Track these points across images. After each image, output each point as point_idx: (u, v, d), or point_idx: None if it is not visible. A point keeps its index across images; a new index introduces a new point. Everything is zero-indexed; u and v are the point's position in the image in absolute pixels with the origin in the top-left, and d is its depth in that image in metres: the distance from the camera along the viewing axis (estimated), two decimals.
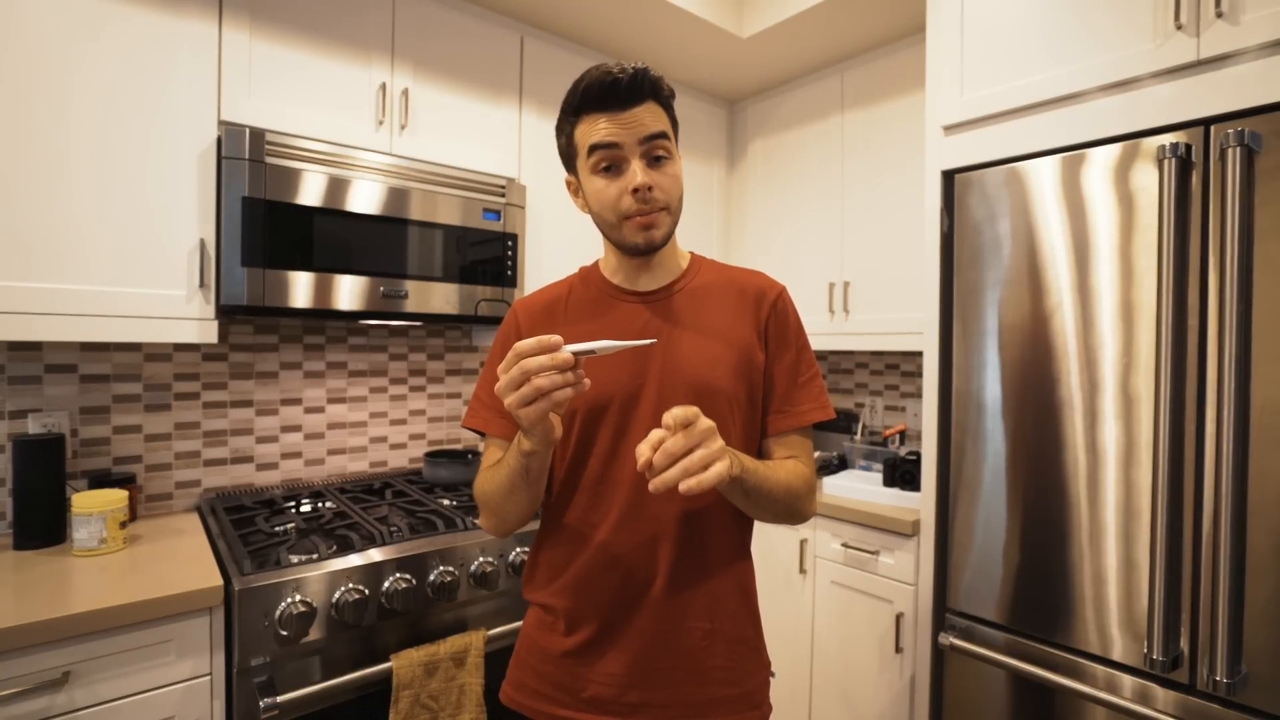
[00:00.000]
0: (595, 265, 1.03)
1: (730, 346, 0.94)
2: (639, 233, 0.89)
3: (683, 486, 0.68)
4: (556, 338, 0.73)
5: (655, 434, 0.71)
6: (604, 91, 0.86)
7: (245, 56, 1.56)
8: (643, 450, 0.70)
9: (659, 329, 0.93)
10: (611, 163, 0.88)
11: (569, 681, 0.92)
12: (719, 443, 0.72)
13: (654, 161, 0.89)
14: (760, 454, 0.97)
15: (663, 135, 0.89)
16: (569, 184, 0.97)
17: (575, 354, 0.73)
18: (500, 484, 0.88)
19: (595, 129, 0.87)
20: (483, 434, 0.99)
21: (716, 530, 0.93)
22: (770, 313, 0.97)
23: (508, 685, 0.98)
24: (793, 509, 0.91)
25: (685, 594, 0.91)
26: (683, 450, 0.69)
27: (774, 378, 0.96)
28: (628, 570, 0.90)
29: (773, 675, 1.01)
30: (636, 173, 0.87)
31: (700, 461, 0.69)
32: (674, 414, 0.70)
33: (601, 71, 0.86)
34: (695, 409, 0.72)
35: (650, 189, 0.87)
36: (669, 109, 0.92)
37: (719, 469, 0.70)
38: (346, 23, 1.72)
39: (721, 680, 0.92)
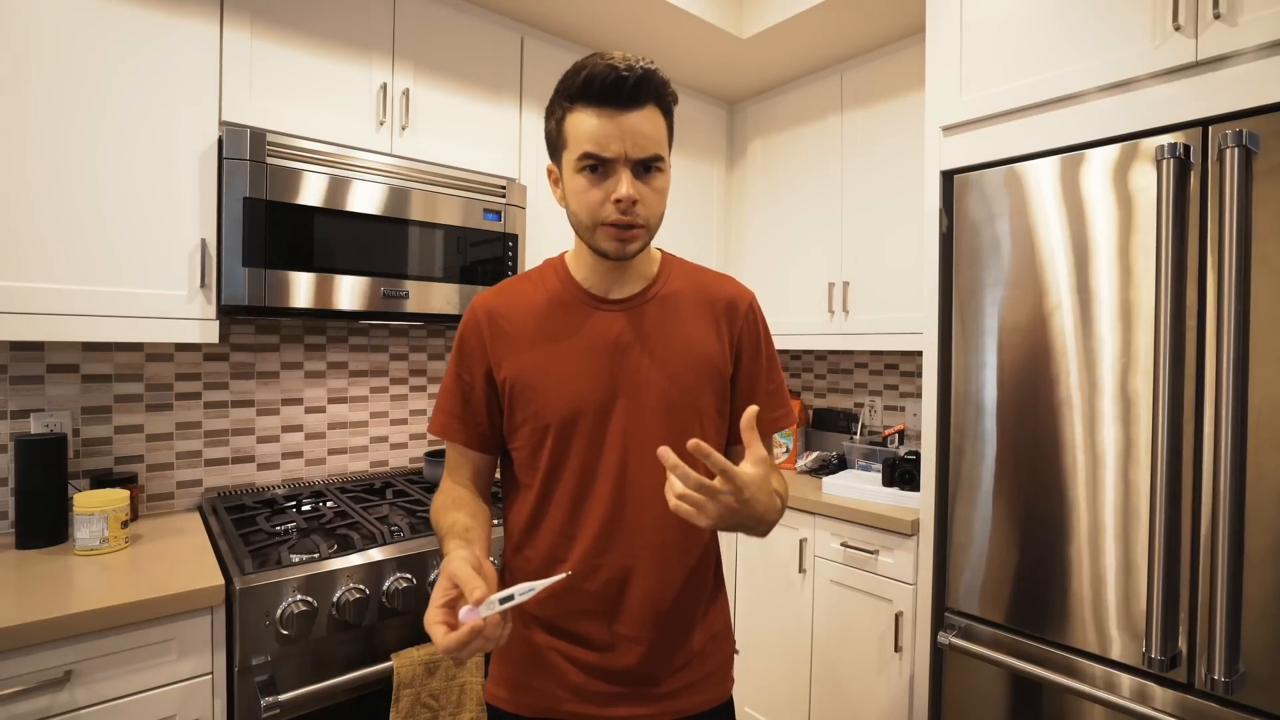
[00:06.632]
0: (563, 262, 0.98)
1: (700, 358, 0.94)
2: (612, 243, 0.86)
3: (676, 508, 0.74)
4: (478, 592, 0.68)
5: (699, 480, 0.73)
6: (605, 88, 0.81)
7: (246, 57, 1.57)
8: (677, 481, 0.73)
9: (633, 338, 0.92)
10: (599, 165, 0.84)
11: (555, 673, 0.92)
12: (718, 510, 0.74)
13: (643, 171, 0.85)
14: (730, 460, 0.97)
15: (656, 157, 0.85)
16: (549, 172, 0.93)
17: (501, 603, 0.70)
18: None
19: (587, 128, 0.83)
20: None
21: (692, 529, 0.94)
22: (743, 324, 0.99)
23: (491, 684, 0.98)
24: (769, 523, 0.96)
25: (665, 594, 0.92)
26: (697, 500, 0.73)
27: (744, 386, 0.98)
28: (607, 580, 0.91)
29: (737, 653, 1.05)
30: (623, 183, 0.83)
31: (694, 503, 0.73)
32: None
33: (607, 65, 0.81)
34: (741, 475, 0.74)
35: (635, 203, 0.84)
36: (669, 114, 0.89)
37: (698, 520, 0.74)
38: (347, 23, 1.72)
39: (697, 666, 0.95)
